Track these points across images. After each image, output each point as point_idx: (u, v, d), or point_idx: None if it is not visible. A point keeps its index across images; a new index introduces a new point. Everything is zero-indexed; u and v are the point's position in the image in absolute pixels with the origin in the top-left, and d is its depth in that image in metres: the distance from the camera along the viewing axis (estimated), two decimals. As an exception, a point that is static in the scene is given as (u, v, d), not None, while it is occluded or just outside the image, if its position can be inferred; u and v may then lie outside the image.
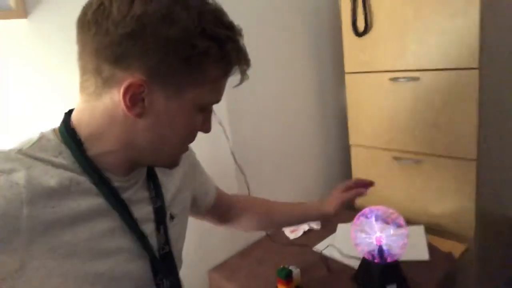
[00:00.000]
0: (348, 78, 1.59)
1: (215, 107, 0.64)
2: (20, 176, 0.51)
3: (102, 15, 0.52)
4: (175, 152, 0.65)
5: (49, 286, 0.53)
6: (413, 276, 1.13)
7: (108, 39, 0.52)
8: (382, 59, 1.46)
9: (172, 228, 0.72)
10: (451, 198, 1.40)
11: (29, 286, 0.51)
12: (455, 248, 1.31)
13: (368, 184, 1.03)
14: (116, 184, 0.61)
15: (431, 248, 1.28)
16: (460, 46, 1.25)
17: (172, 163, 0.66)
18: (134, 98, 0.54)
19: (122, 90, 0.53)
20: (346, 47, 1.56)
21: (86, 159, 0.58)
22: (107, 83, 0.55)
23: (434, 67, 1.32)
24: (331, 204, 1.00)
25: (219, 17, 0.57)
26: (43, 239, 0.52)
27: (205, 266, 1.39)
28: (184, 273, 0.76)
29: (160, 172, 0.72)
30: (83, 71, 0.57)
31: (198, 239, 1.33)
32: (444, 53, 1.29)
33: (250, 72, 0.61)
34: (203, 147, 1.32)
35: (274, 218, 1.04)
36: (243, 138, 1.45)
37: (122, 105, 0.54)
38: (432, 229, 1.42)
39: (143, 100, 0.55)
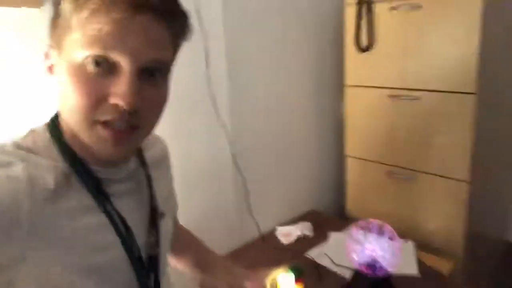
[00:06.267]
0: (348, 91, 1.63)
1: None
2: (18, 170, 0.51)
3: None
4: (82, 122, 0.54)
5: (48, 277, 0.53)
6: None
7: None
8: (383, 76, 1.50)
9: (163, 227, 0.71)
10: (441, 216, 1.45)
11: (29, 277, 0.51)
12: (444, 266, 1.35)
13: None
14: (98, 175, 0.59)
15: (420, 264, 1.31)
16: (460, 70, 1.30)
17: (100, 147, 0.55)
18: (49, 68, 0.57)
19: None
20: (348, 60, 1.59)
21: (68, 151, 0.57)
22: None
23: (433, 88, 1.37)
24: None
25: None
26: (42, 234, 0.52)
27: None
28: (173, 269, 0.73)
29: (153, 168, 0.71)
30: None
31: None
32: (444, 76, 1.34)
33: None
34: (202, 147, 1.34)
35: (206, 273, 0.92)
36: (242, 141, 1.46)
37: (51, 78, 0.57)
38: (421, 246, 1.45)
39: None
